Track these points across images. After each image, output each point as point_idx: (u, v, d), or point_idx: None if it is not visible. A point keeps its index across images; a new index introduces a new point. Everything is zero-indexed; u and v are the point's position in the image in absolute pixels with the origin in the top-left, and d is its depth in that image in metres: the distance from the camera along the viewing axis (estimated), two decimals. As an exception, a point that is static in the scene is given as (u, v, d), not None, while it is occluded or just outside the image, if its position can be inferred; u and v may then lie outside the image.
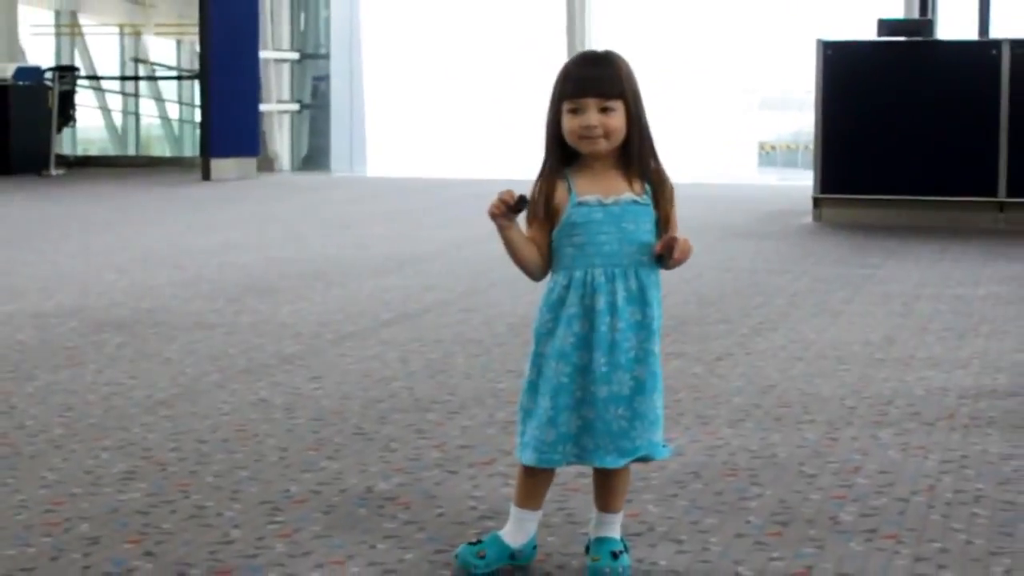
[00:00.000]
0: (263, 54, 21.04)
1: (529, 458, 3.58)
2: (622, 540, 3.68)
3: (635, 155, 3.55)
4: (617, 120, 3.49)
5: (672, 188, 3.61)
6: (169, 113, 24.92)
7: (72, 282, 9.01)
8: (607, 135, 3.49)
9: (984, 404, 5.73)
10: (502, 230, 3.55)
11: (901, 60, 14.19)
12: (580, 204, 3.53)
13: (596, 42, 21.94)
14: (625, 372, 3.54)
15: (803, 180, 14.41)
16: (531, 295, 8.47)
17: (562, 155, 3.56)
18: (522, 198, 3.51)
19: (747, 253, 11.10)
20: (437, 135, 26.97)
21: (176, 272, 9.60)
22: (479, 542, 3.68)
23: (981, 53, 14.07)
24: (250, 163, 19.93)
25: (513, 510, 3.70)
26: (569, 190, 3.54)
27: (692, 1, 26.05)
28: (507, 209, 3.50)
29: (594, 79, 3.51)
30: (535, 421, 3.58)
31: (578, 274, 3.55)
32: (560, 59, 20.43)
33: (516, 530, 3.68)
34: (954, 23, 18.71)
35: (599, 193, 3.54)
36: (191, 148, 22.21)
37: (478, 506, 4.24)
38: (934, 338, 7.27)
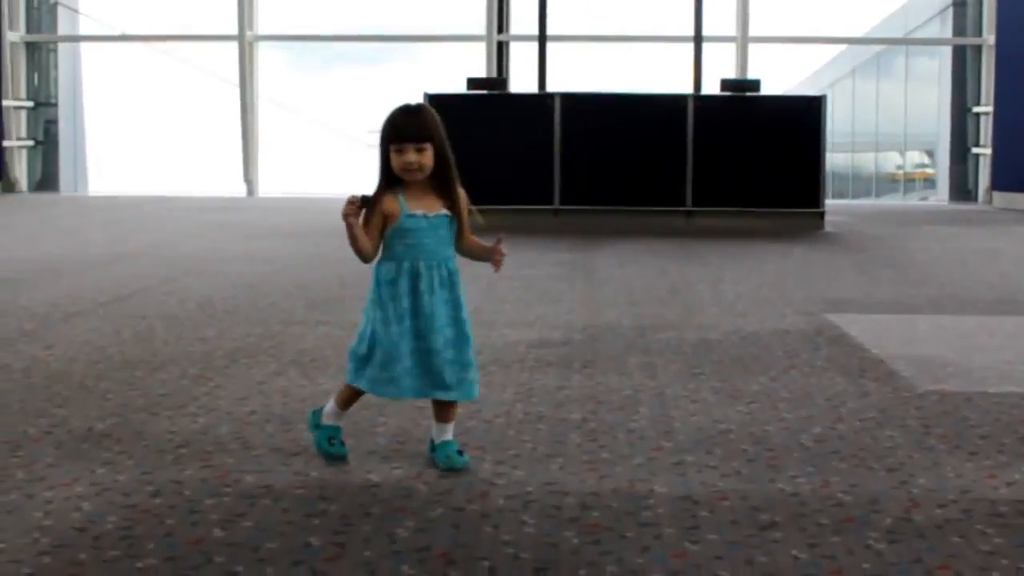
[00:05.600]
0: (5, 102, 20.81)
1: (366, 386, 3.78)
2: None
3: (441, 180, 3.76)
4: (427, 157, 3.71)
5: (466, 200, 3.87)
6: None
7: None
8: (421, 168, 3.71)
9: (545, 351, 5.85)
10: (350, 227, 3.68)
11: (484, 107, 14.39)
12: (410, 216, 3.74)
13: (262, 92, 21.73)
14: (440, 333, 3.74)
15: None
16: (215, 281, 8.39)
17: (391, 179, 3.73)
18: (364, 197, 3.72)
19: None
20: (143, 162, 26.58)
21: (-63, 270, 9.13)
22: (319, 437, 3.89)
23: (541, 102, 14.37)
24: None
25: (336, 409, 3.90)
26: (401, 205, 3.71)
27: (334, 63, 25.96)
28: (356, 208, 3.68)
29: (410, 128, 3.70)
30: (374, 362, 3.74)
31: (406, 264, 3.75)
32: (235, 105, 20.04)
33: (336, 418, 3.91)
34: (523, 79, 19.05)
35: (423, 209, 3.75)
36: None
37: (175, 439, 4.14)
38: (510, 306, 7.39)
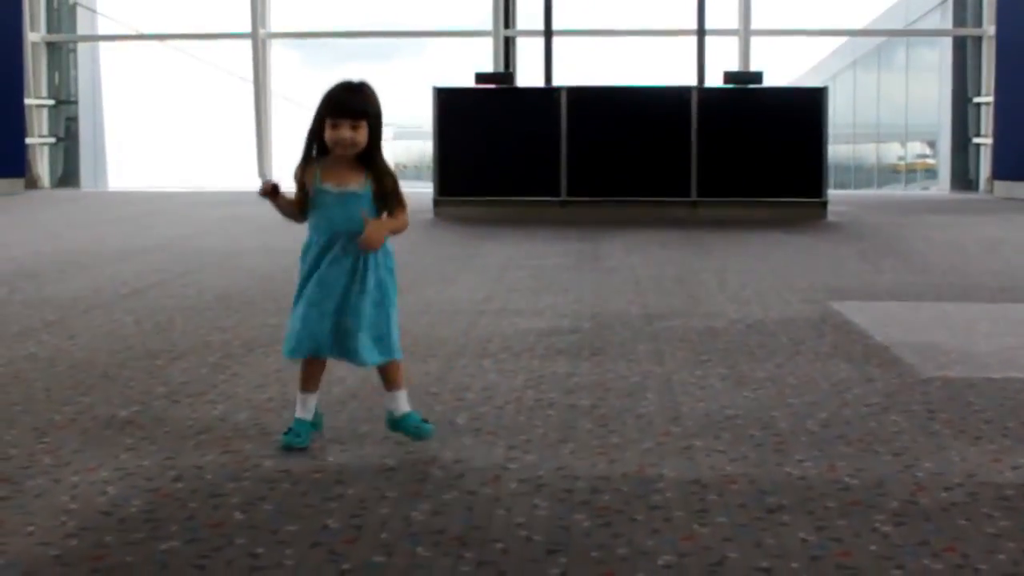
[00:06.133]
0: (27, 101, 21.12)
1: (295, 352, 3.78)
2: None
3: (370, 158, 3.76)
4: (362, 135, 3.72)
5: (394, 180, 3.83)
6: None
7: None
8: (354, 144, 3.71)
9: (554, 339, 5.86)
10: (272, 202, 3.83)
11: (492, 101, 14.39)
12: (320, 189, 3.77)
13: (275, 88, 21.79)
14: (334, 300, 3.74)
15: (427, 188, 14.52)
16: (232, 274, 8.42)
17: (318, 149, 3.77)
18: (275, 186, 3.81)
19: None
20: (160, 157, 26.72)
21: (-41, 263, 9.22)
22: (289, 431, 3.84)
23: (547, 96, 14.37)
24: (19, 182, 19.82)
25: (299, 395, 3.87)
26: (315, 177, 3.76)
27: (343, 59, 26.01)
28: (269, 189, 3.80)
29: (348, 104, 3.71)
30: (299, 325, 3.76)
31: (315, 236, 3.79)
32: (249, 101, 20.15)
33: (303, 408, 3.86)
34: (529, 73, 19.07)
35: (333, 183, 3.76)
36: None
37: (195, 425, 4.16)
38: (519, 295, 7.41)
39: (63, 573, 2.77)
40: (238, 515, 3.18)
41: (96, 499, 3.32)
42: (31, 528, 3.08)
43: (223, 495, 3.36)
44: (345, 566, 2.81)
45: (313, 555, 2.89)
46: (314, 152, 3.79)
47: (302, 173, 3.79)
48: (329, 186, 3.74)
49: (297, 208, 3.84)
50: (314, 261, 3.77)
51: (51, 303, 7.06)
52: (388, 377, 3.89)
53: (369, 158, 3.77)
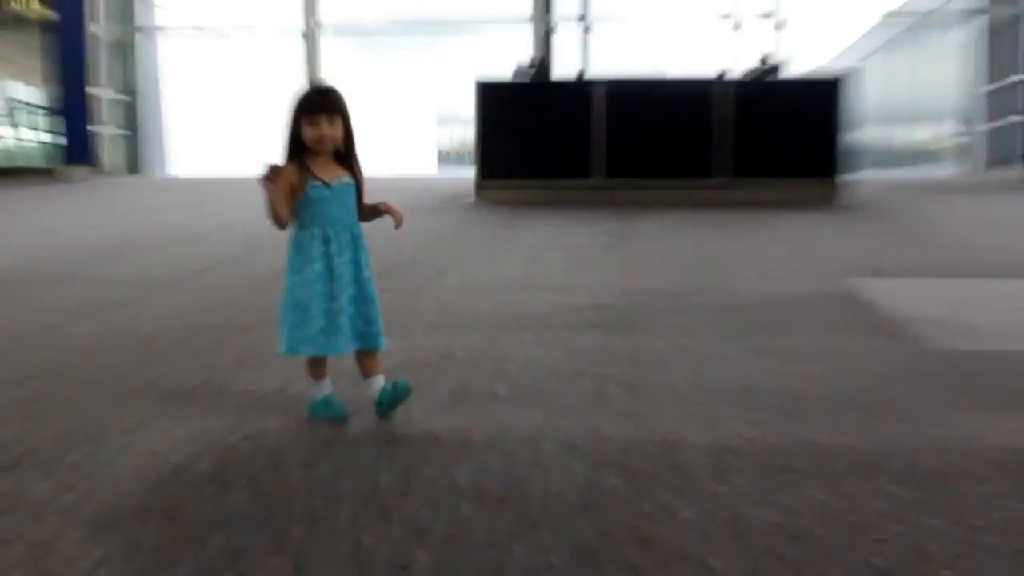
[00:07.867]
0: (93, 92, 21.36)
1: (285, 349, 3.75)
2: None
3: (347, 152, 3.75)
4: (338, 130, 3.69)
5: (362, 173, 3.83)
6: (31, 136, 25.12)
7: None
8: (333, 139, 3.68)
9: (589, 314, 5.90)
10: (271, 192, 3.62)
11: (530, 91, 14.42)
12: (315, 186, 3.70)
13: (324, 77, 21.91)
14: (345, 291, 3.72)
15: (469, 173, 14.59)
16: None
17: (299, 150, 3.70)
18: (276, 166, 3.65)
19: (432, 222, 11.18)
20: (217, 145, 26.82)
21: (47, 244, 9.40)
22: (316, 407, 3.90)
23: (582, 88, 14.38)
24: (87, 170, 20.25)
25: (313, 382, 3.92)
26: (306, 176, 3.69)
27: (388, 48, 26.00)
28: (276, 176, 3.63)
29: (323, 102, 3.67)
30: (292, 324, 3.73)
31: (316, 230, 3.72)
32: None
33: (321, 389, 3.92)
34: (564, 66, 19.04)
35: (327, 178, 3.72)
36: (44, 161, 21.88)
37: (258, 392, 4.27)
38: (557, 273, 7.47)
39: (144, 521, 2.90)
40: (298, 473, 3.28)
41: (171, 457, 3.44)
42: (114, 482, 3.21)
43: (284, 455, 3.46)
44: (395, 519, 2.91)
45: (366, 510, 2.98)
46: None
47: (287, 176, 3.67)
48: (324, 181, 3.71)
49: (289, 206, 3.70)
50: (320, 255, 3.72)
51: (125, 282, 7.19)
52: (375, 362, 3.88)
53: (347, 154, 3.77)
